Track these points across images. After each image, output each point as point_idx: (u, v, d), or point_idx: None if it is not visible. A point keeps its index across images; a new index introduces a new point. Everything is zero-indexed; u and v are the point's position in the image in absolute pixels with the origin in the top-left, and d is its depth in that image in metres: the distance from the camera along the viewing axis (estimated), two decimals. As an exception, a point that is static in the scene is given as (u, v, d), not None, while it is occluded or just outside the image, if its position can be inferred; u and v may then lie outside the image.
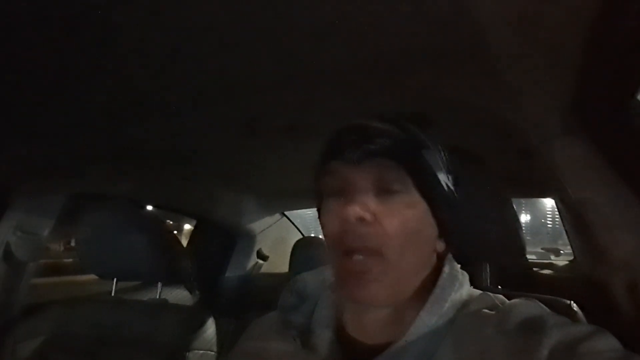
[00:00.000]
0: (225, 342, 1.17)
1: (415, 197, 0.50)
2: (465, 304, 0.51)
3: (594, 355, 0.39)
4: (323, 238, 0.54)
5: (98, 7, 0.58)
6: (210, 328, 1.12)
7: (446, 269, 0.53)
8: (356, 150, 0.49)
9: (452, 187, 0.53)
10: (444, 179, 0.52)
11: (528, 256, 2.11)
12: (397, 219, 0.48)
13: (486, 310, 0.48)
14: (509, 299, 0.51)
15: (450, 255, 0.55)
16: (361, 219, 0.48)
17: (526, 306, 0.48)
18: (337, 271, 0.52)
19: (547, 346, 0.41)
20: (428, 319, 0.48)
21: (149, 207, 1.75)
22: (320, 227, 0.56)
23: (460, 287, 0.52)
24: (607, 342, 0.41)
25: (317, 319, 0.57)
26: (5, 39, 0.64)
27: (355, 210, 0.48)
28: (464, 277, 0.54)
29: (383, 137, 0.49)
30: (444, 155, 0.55)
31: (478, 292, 0.53)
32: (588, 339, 0.41)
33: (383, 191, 0.49)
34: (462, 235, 0.56)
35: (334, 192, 0.52)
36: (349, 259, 0.49)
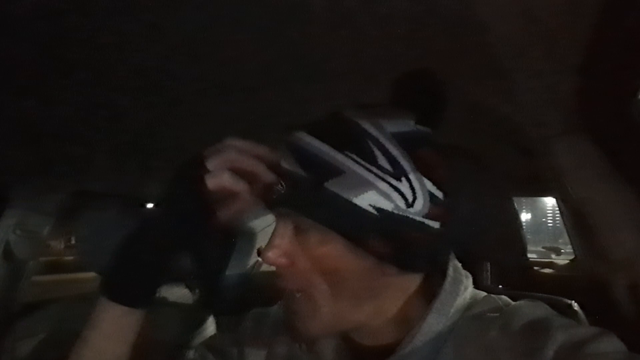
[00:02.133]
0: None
1: (329, 234, 0.45)
2: (469, 307, 0.50)
3: (598, 356, 0.39)
4: None
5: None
6: (210, 326, 1.13)
7: (450, 272, 0.51)
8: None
9: (388, 207, 0.43)
10: (371, 200, 0.43)
11: (529, 255, 2.11)
12: (311, 260, 0.47)
13: (490, 313, 0.48)
14: (509, 299, 0.51)
15: (452, 256, 0.53)
16: (276, 264, 0.49)
17: (531, 308, 0.47)
18: (283, 305, 0.54)
19: (552, 348, 0.40)
20: (435, 324, 0.48)
21: (149, 205, 1.74)
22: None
23: (465, 291, 0.51)
24: (612, 344, 0.41)
25: None
26: (3, 35, 0.63)
27: (267, 257, 0.48)
28: (468, 279, 0.53)
29: (279, 187, 0.46)
30: (385, 146, 0.45)
31: (482, 294, 0.52)
32: (593, 340, 0.40)
33: (299, 231, 0.48)
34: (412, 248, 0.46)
35: None
36: (288, 296, 0.50)
